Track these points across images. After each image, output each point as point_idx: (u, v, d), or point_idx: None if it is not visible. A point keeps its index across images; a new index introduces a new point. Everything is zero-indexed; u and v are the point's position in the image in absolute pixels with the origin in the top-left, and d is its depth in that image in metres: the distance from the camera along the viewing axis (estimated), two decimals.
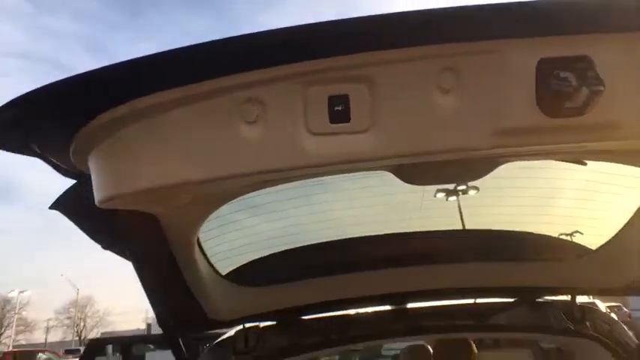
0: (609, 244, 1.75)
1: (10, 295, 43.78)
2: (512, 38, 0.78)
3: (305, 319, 1.92)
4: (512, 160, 1.17)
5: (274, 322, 1.89)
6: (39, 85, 0.70)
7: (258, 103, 0.79)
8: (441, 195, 1.60)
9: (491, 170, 1.19)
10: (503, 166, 1.26)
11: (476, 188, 1.52)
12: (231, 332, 1.85)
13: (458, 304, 1.99)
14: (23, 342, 46.03)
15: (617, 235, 1.71)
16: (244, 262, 1.80)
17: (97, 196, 0.90)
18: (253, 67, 0.75)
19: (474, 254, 1.89)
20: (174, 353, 1.51)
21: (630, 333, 1.90)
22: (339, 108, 0.79)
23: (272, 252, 1.84)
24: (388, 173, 1.26)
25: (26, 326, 50.62)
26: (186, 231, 1.29)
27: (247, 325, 1.81)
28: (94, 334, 51.09)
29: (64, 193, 1.05)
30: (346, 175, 1.35)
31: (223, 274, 1.72)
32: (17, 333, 45.68)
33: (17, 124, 0.80)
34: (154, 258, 1.28)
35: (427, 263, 1.89)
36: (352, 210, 1.88)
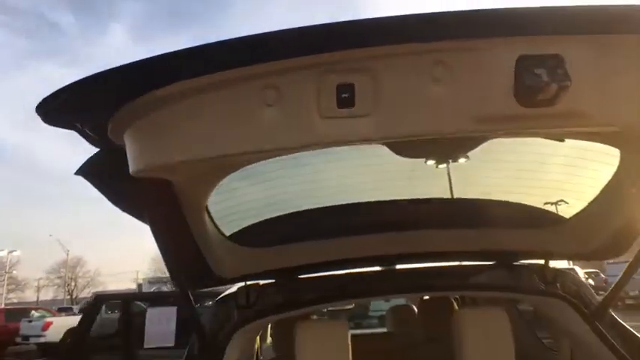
0: (581, 214, 1.91)
1: None
2: (496, 37, 0.89)
3: (301, 278, 2.08)
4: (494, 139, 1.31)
5: (273, 280, 2.05)
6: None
7: (276, 89, 0.91)
8: (431, 162, 1.73)
9: (476, 147, 1.32)
10: (486, 143, 1.40)
11: (466, 156, 1.64)
12: (234, 289, 2.01)
13: (442, 266, 2.16)
14: (15, 300, 46.56)
15: (588, 206, 1.86)
16: (246, 225, 1.94)
17: (133, 166, 1.02)
18: (273, 58, 0.86)
19: (457, 221, 2.04)
20: (185, 306, 1.67)
21: (592, 291, 2.10)
22: (346, 95, 0.90)
23: (271, 216, 1.97)
24: (382, 146, 1.39)
25: (17, 285, 51.03)
26: (198, 196, 1.42)
27: (249, 282, 1.97)
28: (85, 293, 51.76)
29: (88, 160, 1.14)
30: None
31: (227, 235, 1.86)
32: (8, 292, 46.11)
33: (68, 108, 0.91)
34: (168, 221, 1.40)
35: (415, 228, 2.04)
36: (347, 178, 2.01)
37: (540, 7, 0.84)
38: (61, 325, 16.81)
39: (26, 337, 16.59)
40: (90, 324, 3.71)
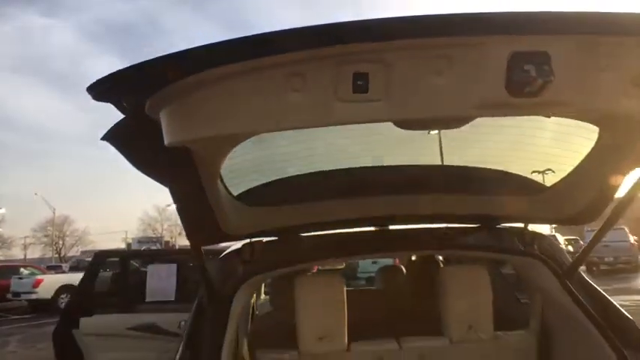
0: (560, 183, 2.09)
1: None
2: (493, 35, 1.02)
3: (301, 236, 2.24)
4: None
5: (275, 238, 2.21)
6: None
7: (301, 76, 1.04)
8: (423, 131, 1.87)
9: (467, 123, 1.46)
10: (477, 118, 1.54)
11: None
12: (239, 245, 2.17)
13: (431, 227, 2.34)
14: (2, 257, 46.64)
15: (566, 176, 2.03)
16: (252, 186, 2.08)
17: (170, 138, 1.15)
18: (300, 49, 0.99)
19: (446, 186, 2.20)
20: (196, 259, 1.83)
21: (566, 248, 2.30)
22: (361, 82, 1.04)
23: (275, 178, 2.11)
24: None
25: (3, 242, 51.07)
26: (213, 161, 1.56)
27: (253, 239, 2.13)
28: (73, 252, 52.05)
29: (113, 127, 1.23)
30: None
31: (235, 195, 2.00)
32: None
33: (117, 89, 1.05)
34: (185, 183, 1.52)
35: (406, 192, 2.20)
36: (345, 145, 2.15)
37: (532, 11, 0.97)
38: (51, 282, 17.04)
39: (17, 294, 16.80)
40: (94, 280, 3.87)
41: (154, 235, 52.79)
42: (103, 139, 1.25)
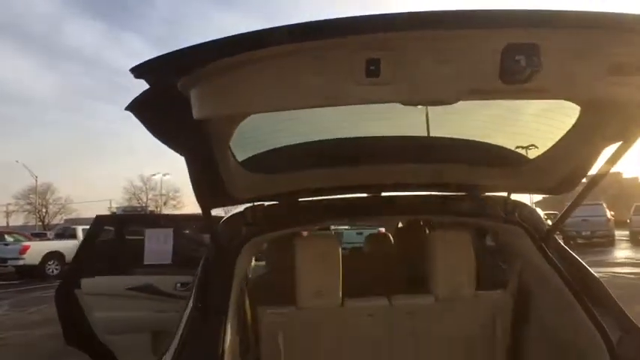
0: (541, 157, 2.25)
1: None
2: (490, 29, 1.16)
3: (299, 201, 2.39)
4: None
5: (275, 203, 2.36)
6: None
7: (323, 60, 1.17)
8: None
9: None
10: None
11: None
12: (242, 208, 2.32)
13: (419, 194, 2.51)
14: None
15: (548, 150, 2.20)
16: (255, 153, 2.21)
17: (200, 112, 1.27)
18: (321, 38, 1.12)
19: (436, 157, 2.35)
20: (205, 219, 1.97)
21: (545, 221, 2.51)
22: (373, 67, 1.16)
23: (277, 146, 2.25)
24: None
25: None
26: (226, 131, 1.69)
27: (255, 203, 2.27)
28: (57, 220, 51.69)
29: (136, 99, 1.32)
30: None
31: (240, 161, 2.14)
32: None
33: (158, 71, 1.17)
34: (198, 151, 1.65)
35: (399, 162, 2.35)
36: (342, 117, 2.27)
37: (524, 9, 1.11)
38: (38, 249, 17.13)
39: (4, 260, 16.85)
40: (94, 242, 4.00)
41: (138, 205, 52.75)
42: (127, 109, 1.34)
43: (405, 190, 2.50)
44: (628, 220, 22.20)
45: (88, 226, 17.72)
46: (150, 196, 55.61)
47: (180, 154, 1.62)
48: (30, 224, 48.58)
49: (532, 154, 2.31)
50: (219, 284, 1.96)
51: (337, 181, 2.35)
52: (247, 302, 2.36)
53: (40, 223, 49.74)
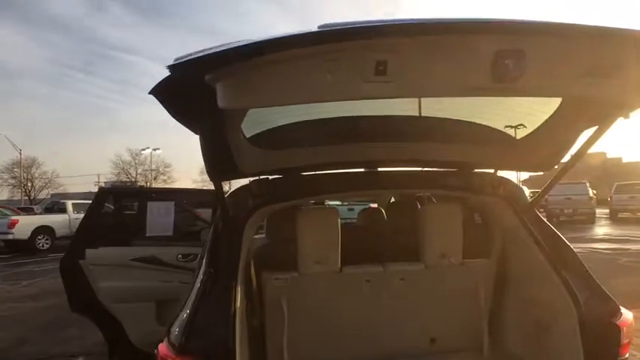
0: (527, 137, 2.44)
1: None
2: (483, 35, 1.32)
3: (301, 175, 2.56)
4: None
5: (279, 176, 2.53)
6: None
7: (337, 61, 1.31)
8: None
9: None
10: None
11: None
12: (247, 181, 2.48)
13: (413, 170, 2.69)
14: None
15: (533, 131, 2.39)
16: (261, 131, 2.35)
17: (225, 103, 1.39)
18: (339, 41, 1.25)
19: (430, 135, 2.53)
20: (216, 190, 2.13)
21: (527, 196, 2.71)
22: (381, 68, 1.32)
23: (280, 124, 2.39)
24: None
25: None
26: (240, 115, 1.87)
27: (261, 177, 2.44)
28: (43, 194, 51.20)
29: (159, 84, 1.42)
30: None
31: (247, 137, 2.28)
32: None
33: (191, 67, 1.26)
34: (212, 131, 1.79)
35: (396, 140, 2.52)
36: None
37: (512, 19, 1.27)
38: (27, 223, 17.04)
39: None
40: (98, 214, 4.11)
41: (127, 180, 52.39)
42: (150, 93, 1.45)
43: (400, 166, 2.68)
44: (609, 199, 22.83)
45: (77, 201, 17.67)
46: (139, 170, 55.44)
47: (196, 133, 1.76)
48: (15, 198, 47.95)
49: (520, 133, 2.50)
50: (229, 251, 2.12)
51: (337, 157, 2.51)
52: (253, 270, 2.54)
53: (27, 198, 49.22)
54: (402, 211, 3.46)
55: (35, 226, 16.94)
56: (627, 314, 2.09)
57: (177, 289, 3.48)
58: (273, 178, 2.50)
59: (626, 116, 1.74)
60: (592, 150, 2.20)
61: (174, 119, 1.69)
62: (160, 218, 4.01)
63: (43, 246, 16.93)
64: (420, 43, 1.31)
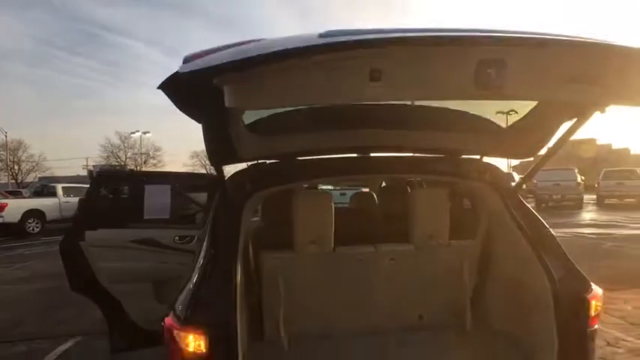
0: (514, 125, 2.57)
1: None
2: (467, 47, 1.42)
3: (297, 160, 2.67)
4: None
5: (276, 161, 2.63)
6: None
7: (338, 69, 1.43)
8: None
9: None
10: None
11: None
12: (245, 165, 2.59)
13: (404, 155, 2.81)
14: None
15: (517, 121, 2.52)
16: (258, 117, 2.45)
17: (233, 102, 1.49)
18: (338, 51, 1.34)
19: (420, 123, 2.64)
20: (218, 174, 2.24)
21: (512, 181, 2.86)
22: (376, 74, 1.44)
23: (276, 112, 2.48)
24: None
25: None
26: (242, 109, 1.96)
27: (259, 161, 2.54)
28: (30, 178, 50.70)
29: (167, 79, 1.49)
30: None
31: (246, 124, 2.38)
32: None
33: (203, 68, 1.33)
34: (215, 121, 1.88)
35: (385, 127, 2.63)
36: None
37: (494, 31, 1.38)
38: (16, 207, 16.98)
39: None
40: (97, 197, 4.18)
41: (117, 164, 51.99)
42: (159, 87, 1.53)
43: (391, 152, 2.79)
44: (596, 185, 23.22)
45: (67, 185, 17.58)
46: (129, 154, 55.04)
47: (199, 122, 1.85)
48: (2, 182, 47.44)
49: (510, 119, 2.63)
50: (229, 231, 2.24)
51: (331, 142, 2.62)
52: (251, 250, 2.66)
53: (14, 181, 48.72)
54: (392, 195, 3.60)
55: (25, 210, 16.90)
56: (597, 290, 2.25)
57: (174, 270, 3.59)
58: (270, 163, 2.61)
59: (602, 111, 1.87)
60: (582, 136, 2.35)
61: (178, 109, 1.77)
62: (157, 201, 4.09)
63: (33, 229, 16.91)
64: (410, 52, 1.44)
